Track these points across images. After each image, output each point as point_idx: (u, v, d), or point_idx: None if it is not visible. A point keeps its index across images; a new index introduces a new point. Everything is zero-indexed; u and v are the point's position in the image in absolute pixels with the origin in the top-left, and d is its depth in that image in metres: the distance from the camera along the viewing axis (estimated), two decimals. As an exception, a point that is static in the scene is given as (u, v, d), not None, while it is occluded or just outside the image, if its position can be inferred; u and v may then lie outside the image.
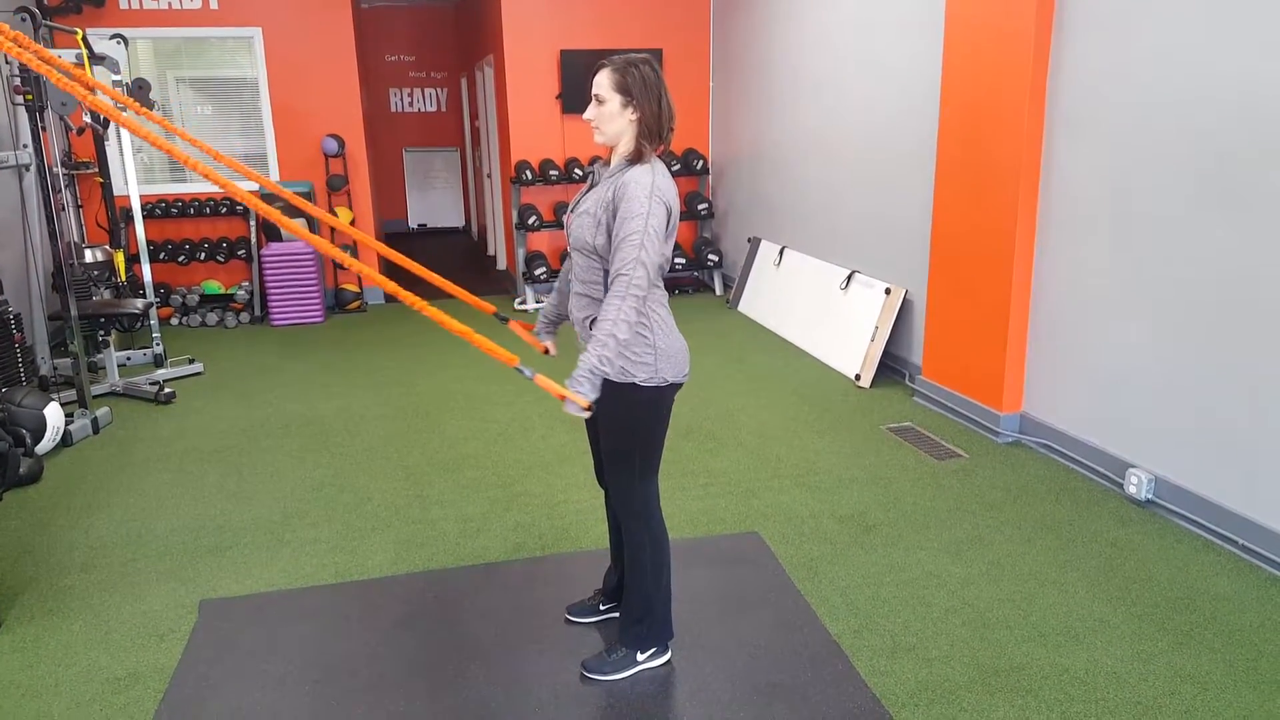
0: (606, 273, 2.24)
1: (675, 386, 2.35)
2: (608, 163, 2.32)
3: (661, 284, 2.33)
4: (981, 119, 4.17)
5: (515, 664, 2.59)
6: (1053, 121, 3.85)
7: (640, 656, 2.52)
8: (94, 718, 2.41)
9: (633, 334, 2.20)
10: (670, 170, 2.43)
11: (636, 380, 2.27)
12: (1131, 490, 3.50)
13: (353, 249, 7.29)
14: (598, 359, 2.13)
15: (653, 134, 2.23)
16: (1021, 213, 3.98)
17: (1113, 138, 3.55)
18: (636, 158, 2.22)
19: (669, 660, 2.57)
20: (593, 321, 2.29)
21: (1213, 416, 3.21)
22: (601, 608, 2.79)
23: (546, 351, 2.63)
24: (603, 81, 2.23)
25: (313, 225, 7.20)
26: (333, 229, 6.81)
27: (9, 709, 2.45)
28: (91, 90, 2.32)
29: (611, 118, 2.23)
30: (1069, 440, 3.90)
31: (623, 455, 2.38)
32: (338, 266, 7.62)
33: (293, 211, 7.03)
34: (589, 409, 2.13)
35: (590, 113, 2.26)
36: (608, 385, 2.31)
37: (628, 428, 2.34)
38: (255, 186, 7.15)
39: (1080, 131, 3.71)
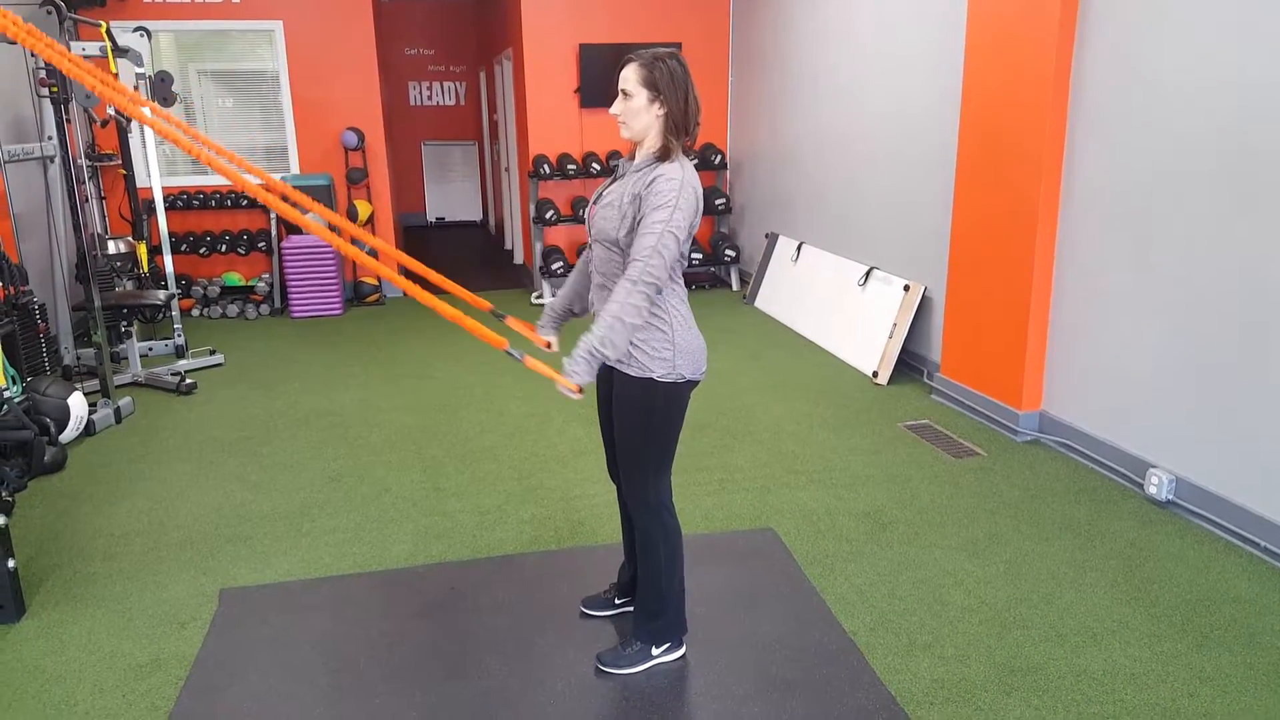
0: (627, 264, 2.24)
1: (692, 384, 2.35)
2: (632, 157, 2.32)
3: (681, 280, 2.33)
4: (1003, 115, 4.13)
5: (531, 656, 2.61)
6: (1075, 118, 3.82)
7: (655, 651, 2.53)
8: (117, 704, 2.44)
9: (639, 323, 2.17)
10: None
11: (654, 375, 2.27)
12: (1152, 490, 3.47)
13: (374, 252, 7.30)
14: (599, 340, 2.12)
15: (679, 129, 2.23)
16: (1043, 210, 3.95)
17: (1136, 134, 3.52)
18: (664, 154, 2.22)
19: (683, 655, 2.58)
20: None
21: (1235, 417, 3.18)
22: (616, 601, 2.80)
23: (549, 346, 2.58)
24: (630, 76, 2.22)
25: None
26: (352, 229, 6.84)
27: (34, 693, 2.49)
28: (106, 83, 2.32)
29: (638, 113, 2.22)
30: (1089, 439, 3.87)
31: (637, 450, 2.38)
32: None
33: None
34: (579, 392, 2.13)
35: (617, 107, 2.26)
36: (624, 378, 2.31)
37: (643, 422, 2.34)
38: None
39: (1103, 128, 3.68)
